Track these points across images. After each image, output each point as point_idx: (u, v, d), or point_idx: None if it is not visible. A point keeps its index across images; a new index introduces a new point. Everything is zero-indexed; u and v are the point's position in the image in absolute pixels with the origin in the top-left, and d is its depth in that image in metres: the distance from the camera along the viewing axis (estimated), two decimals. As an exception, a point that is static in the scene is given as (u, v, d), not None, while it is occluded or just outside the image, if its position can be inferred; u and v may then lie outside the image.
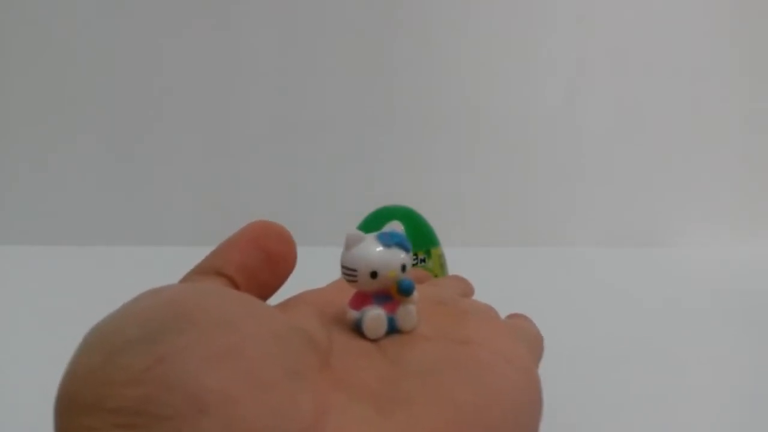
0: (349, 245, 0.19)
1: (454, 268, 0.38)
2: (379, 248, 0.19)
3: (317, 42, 0.76)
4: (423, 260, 0.37)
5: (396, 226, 0.20)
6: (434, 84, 0.77)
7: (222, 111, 0.76)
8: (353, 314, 0.19)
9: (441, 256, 0.39)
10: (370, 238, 0.19)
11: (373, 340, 0.19)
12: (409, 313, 0.19)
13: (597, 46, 0.78)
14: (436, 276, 0.37)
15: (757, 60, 0.79)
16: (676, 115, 0.80)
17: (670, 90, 0.79)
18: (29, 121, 0.75)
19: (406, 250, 0.19)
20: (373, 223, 0.38)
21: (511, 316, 0.25)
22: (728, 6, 0.78)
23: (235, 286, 0.19)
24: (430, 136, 0.78)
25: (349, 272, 0.19)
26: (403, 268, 0.19)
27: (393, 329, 0.19)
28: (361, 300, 0.19)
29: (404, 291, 0.19)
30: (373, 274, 0.19)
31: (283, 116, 0.77)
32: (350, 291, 0.20)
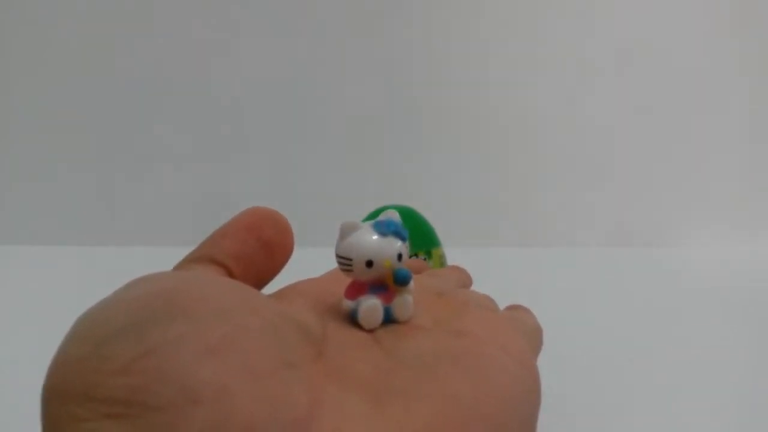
0: (344, 234, 0.19)
1: (454, 268, 0.38)
2: (375, 237, 0.19)
3: (317, 42, 0.76)
4: (423, 260, 0.37)
5: (392, 215, 0.20)
6: (434, 84, 0.77)
7: (222, 111, 0.76)
8: (348, 304, 0.19)
9: (442, 257, 0.39)
10: (366, 227, 0.19)
11: (369, 331, 0.19)
12: (405, 303, 0.19)
13: (598, 46, 0.78)
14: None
15: (759, 61, 0.79)
16: (676, 115, 0.80)
17: (671, 90, 0.79)
18: (29, 122, 0.75)
19: (403, 239, 0.19)
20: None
21: (510, 308, 0.25)
22: (730, 6, 0.78)
23: (230, 274, 0.19)
24: (430, 136, 0.78)
25: (344, 261, 0.19)
26: (399, 257, 0.19)
27: (389, 319, 0.19)
28: (356, 290, 0.19)
29: (400, 280, 0.19)
30: (369, 264, 0.18)
31: (283, 116, 0.77)
32: (345, 280, 0.19)
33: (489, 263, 0.57)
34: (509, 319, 0.22)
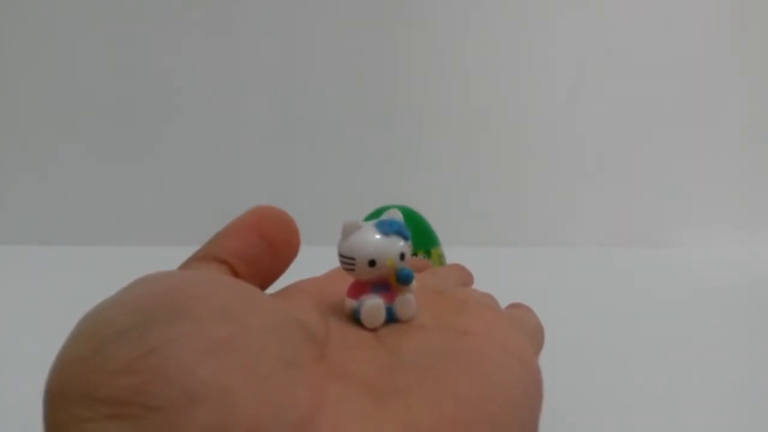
0: (346, 233, 0.19)
1: (454, 268, 0.38)
2: (378, 236, 0.18)
3: (317, 42, 0.76)
4: (425, 259, 0.37)
5: (395, 215, 0.20)
6: (434, 84, 0.77)
7: (221, 111, 0.76)
8: (351, 303, 0.19)
9: (441, 256, 0.39)
10: (369, 226, 0.19)
11: (371, 330, 0.19)
12: (407, 302, 0.19)
13: (597, 46, 0.78)
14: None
15: (758, 60, 0.79)
16: (676, 115, 0.80)
17: (670, 90, 0.79)
18: (30, 122, 0.75)
19: (405, 238, 0.19)
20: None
21: (511, 306, 0.25)
22: (729, 6, 0.78)
23: (235, 273, 0.19)
24: (430, 136, 0.78)
25: (347, 261, 0.18)
26: (402, 256, 0.19)
27: (391, 318, 0.19)
28: (358, 289, 0.19)
29: (403, 280, 0.19)
30: (371, 263, 0.18)
31: (283, 116, 0.77)
32: (348, 280, 0.19)
33: (488, 263, 0.57)
34: (510, 317, 0.22)
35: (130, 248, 0.72)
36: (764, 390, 0.41)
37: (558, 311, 0.52)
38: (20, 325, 0.48)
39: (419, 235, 0.38)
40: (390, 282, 0.19)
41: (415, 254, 0.37)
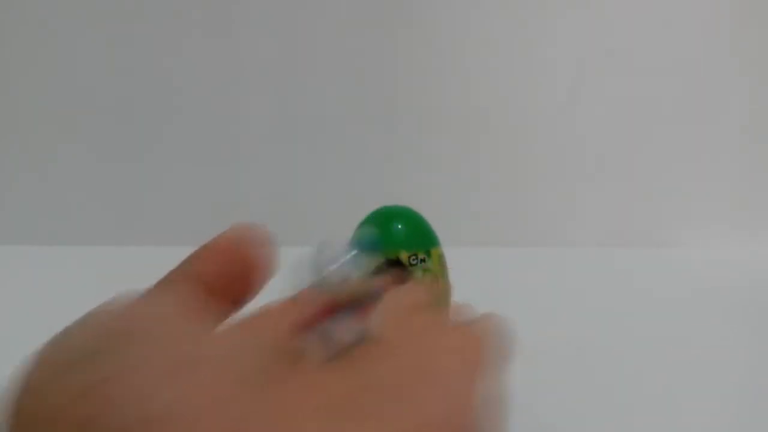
0: (315, 253, 0.19)
1: (454, 268, 0.38)
2: (348, 256, 0.19)
3: (317, 42, 0.76)
4: (423, 260, 0.37)
5: (367, 232, 0.20)
6: (434, 84, 0.77)
7: (221, 111, 0.76)
8: (320, 324, 0.19)
9: (441, 256, 0.39)
10: (339, 244, 0.19)
11: (340, 351, 0.18)
12: (376, 322, 0.19)
13: (597, 46, 0.78)
14: (436, 276, 0.37)
15: (758, 60, 0.79)
16: (676, 115, 0.80)
17: (670, 90, 0.79)
18: (30, 122, 0.75)
19: (376, 254, 0.19)
20: (373, 223, 0.37)
21: (479, 317, 0.25)
22: (729, 6, 0.78)
23: (210, 293, 0.18)
24: (430, 136, 0.78)
25: (318, 281, 0.18)
26: (372, 272, 0.19)
27: (358, 339, 0.19)
28: (327, 310, 0.19)
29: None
30: (339, 283, 0.18)
31: (282, 116, 0.77)
32: (317, 300, 0.19)
33: (488, 263, 0.57)
34: (473, 331, 0.22)
35: (130, 248, 0.72)
36: (764, 390, 0.41)
37: (558, 311, 0.52)
38: (20, 325, 0.48)
39: (419, 235, 0.38)
40: (359, 302, 0.19)
41: (415, 254, 0.37)
